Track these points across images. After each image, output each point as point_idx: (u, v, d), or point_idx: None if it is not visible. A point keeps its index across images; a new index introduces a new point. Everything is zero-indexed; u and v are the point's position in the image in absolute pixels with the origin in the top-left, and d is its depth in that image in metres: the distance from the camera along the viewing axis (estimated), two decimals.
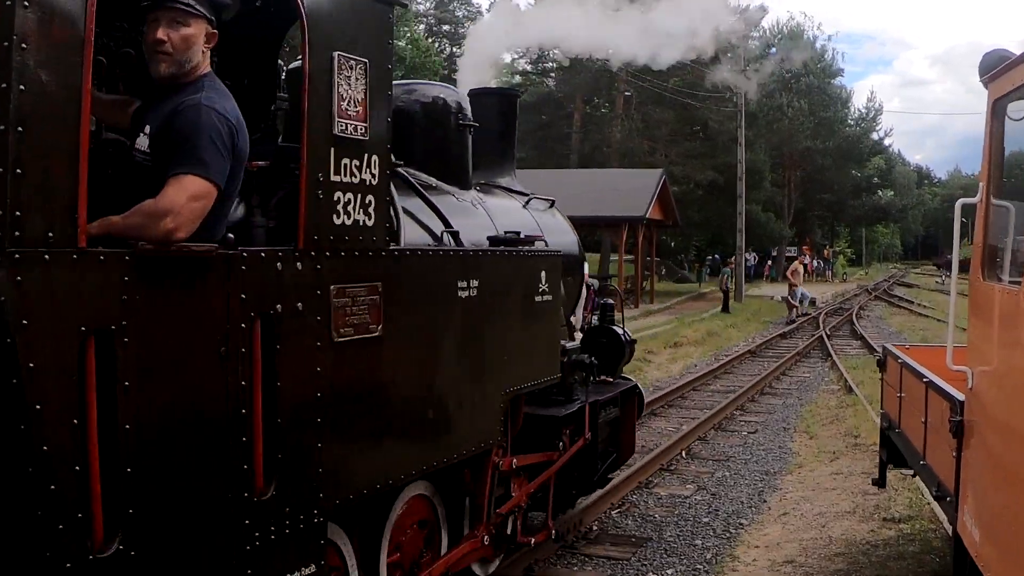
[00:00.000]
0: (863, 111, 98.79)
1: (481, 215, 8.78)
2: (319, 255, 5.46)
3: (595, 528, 11.28)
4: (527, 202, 10.26)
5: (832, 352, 28.60)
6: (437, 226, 7.63)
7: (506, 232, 8.44)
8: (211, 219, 4.95)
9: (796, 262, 46.21)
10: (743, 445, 16.43)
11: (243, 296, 4.92)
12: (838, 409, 19.51)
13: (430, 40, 77.75)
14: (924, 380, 8.33)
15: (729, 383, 23.28)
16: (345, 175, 5.65)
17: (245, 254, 4.98)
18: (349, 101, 5.65)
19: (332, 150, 5.55)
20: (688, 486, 13.54)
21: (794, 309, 41.82)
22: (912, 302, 53.58)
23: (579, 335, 10.95)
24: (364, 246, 5.84)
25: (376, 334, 5.89)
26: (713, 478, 14.03)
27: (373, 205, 5.89)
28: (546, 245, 9.06)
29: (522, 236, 8.39)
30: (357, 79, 5.71)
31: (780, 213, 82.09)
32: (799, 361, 28.06)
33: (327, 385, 5.50)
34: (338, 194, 5.61)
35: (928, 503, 11.34)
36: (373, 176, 5.88)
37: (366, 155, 5.82)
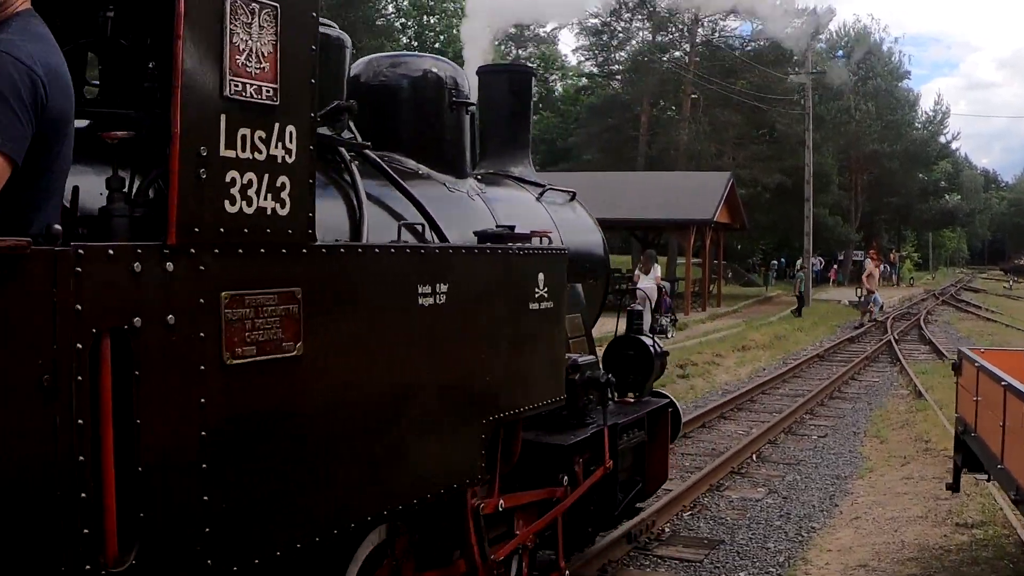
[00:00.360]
0: (930, 114, 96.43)
1: (478, 208, 7.41)
2: (202, 252, 4.01)
3: (667, 530, 11.00)
4: (541, 193, 8.81)
5: (901, 357, 27.55)
6: (416, 219, 6.24)
7: (497, 226, 6.96)
8: (24, 204, 3.63)
9: (871, 265, 44.73)
10: (813, 449, 15.92)
11: (79, 307, 3.51)
12: (908, 414, 18.73)
13: (496, 43, 76.66)
14: (1002, 383, 8.03)
15: (798, 387, 22.53)
16: (244, 150, 4.18)
17: (82, 251, 3.54)
18: (249, 55, 4.18)
19: (223, 117, 4.10)
20: (759, 489, 13.18)
21: (867, 314, 40.32)
22: (980, 307, 52.09)
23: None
24: (274, 241, 4.36)
25: (293, 353, 4.40)
26: (784, 481, 13.64)
27: (288, 189, 4.41)
28: (551, 242, 7.46)
29: (517, 231, 6.84)
30: (262, 27, 4.23)
31: (847, 217, 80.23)
32: (868, 365, 27.09)
33: (217, 420, 4.04)
34: (232, 174, 4.15)
35: (1001, 508, 11.03)
36: (288, 152, 4.39)
37: (277, 125, 4.34)
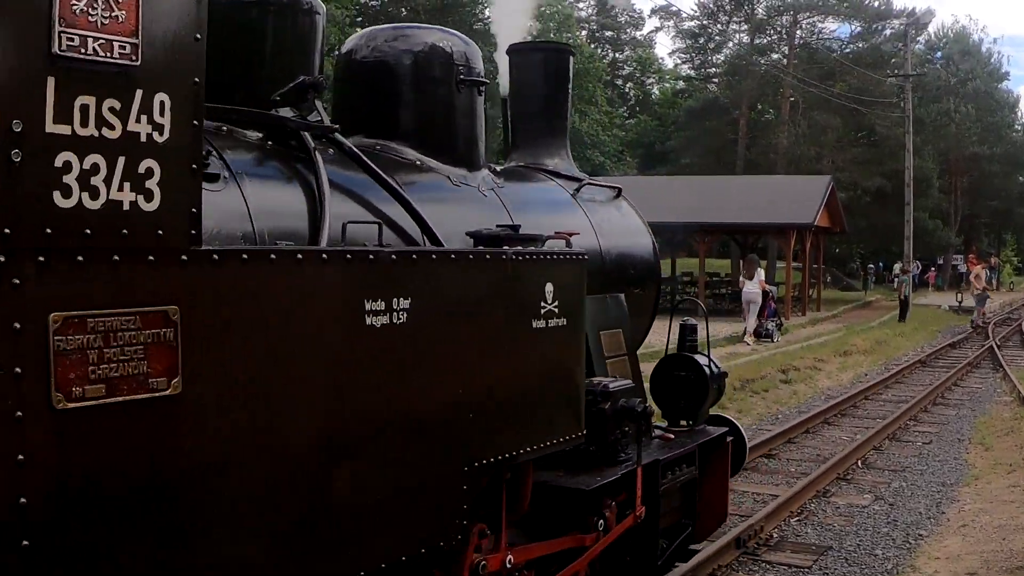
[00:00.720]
0: None
1: (490, 205, 6.20)
2: (17, 262, 2.86)
3: (775, 535, 10.85)
4: (578, 189, 7.58)
5: (1003, 363, 26.43)
6: (402, 218, 5.08)
7: (497, 226, 5.67)
8: None
9: (979, 267, 43.29)
10: (918, 456, 15.48)
11: None
12: (1013, 421, 17.96)
13: (592, 46, 75.68)
14: None
15: (900, 393, 21.84)
16: (84, 125, 3.04)
17: None
18: (93, 0, 3.02)
19: (51, 81, 2.95)
20: (865, 496, 12.85)
21: (980, 313, 39.00)
22: None
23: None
24: (135, 245, 3.18)
25: (165, 392, 3.20)
26: (890, 488, 13.29)
27: (158, 177, 3.23)
28: (568, 244, 6.17)
29: (532, 232, 5.58)
30: None
31: (946, 220, 77.71)
32: (970, 372, 26.01)
33: (44, 482, 2.91)
34: (66, 157, 3.00)
35: None
36: (157, 129, 3.23)
37: (139, 93, 3.19)
